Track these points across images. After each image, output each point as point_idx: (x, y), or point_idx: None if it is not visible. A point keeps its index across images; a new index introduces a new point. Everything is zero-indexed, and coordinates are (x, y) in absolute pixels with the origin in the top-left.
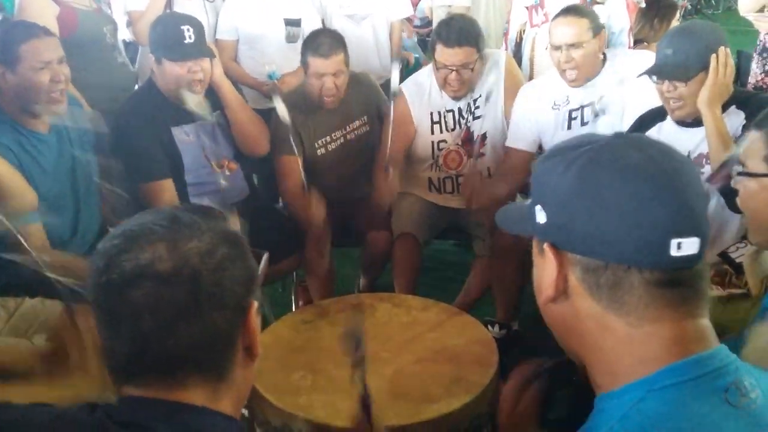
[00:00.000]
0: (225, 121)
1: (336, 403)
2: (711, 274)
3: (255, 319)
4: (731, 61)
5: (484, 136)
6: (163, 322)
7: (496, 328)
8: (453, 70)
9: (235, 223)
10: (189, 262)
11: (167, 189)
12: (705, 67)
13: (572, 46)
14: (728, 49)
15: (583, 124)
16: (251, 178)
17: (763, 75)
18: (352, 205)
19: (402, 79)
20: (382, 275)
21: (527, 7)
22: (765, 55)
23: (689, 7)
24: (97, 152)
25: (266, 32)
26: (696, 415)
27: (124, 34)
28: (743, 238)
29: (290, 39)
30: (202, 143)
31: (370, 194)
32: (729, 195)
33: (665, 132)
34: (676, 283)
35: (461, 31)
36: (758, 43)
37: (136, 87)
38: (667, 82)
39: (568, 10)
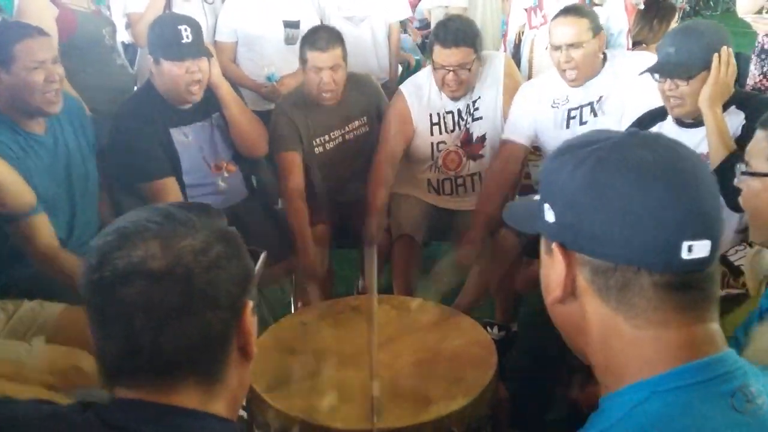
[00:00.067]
0: (224, 122)
1: (335, 405)
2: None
3: (250, 319)
4: (733, 61)
5: (482, 137)
6: (156, 321)
7: (495, 329)
8: (450, 71)
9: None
10: (182, 260)
11: (171, 187)
12: (707, 66)
13: (572, 46)
14: (731, 49)
15: (581, 123)
16: (250, 179)
17: (761, 77)
18: (350, 207)
19: (402, 80)
20: (380, 276)
21: (526, 9)
22: (763, 56)
23: (688, 8)
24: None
25: (265, 34)
26: (700, 419)
27: (123, 36)
28: (742, 240)
29: (289, 41)
30: (200, 145)
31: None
32: (729, 194)
33: (665, 132)
34: (687, 286)
35: (458, 32)
36: (756, 44)
37: (135, 89)
38: (668, 81)
39: (568, 10)
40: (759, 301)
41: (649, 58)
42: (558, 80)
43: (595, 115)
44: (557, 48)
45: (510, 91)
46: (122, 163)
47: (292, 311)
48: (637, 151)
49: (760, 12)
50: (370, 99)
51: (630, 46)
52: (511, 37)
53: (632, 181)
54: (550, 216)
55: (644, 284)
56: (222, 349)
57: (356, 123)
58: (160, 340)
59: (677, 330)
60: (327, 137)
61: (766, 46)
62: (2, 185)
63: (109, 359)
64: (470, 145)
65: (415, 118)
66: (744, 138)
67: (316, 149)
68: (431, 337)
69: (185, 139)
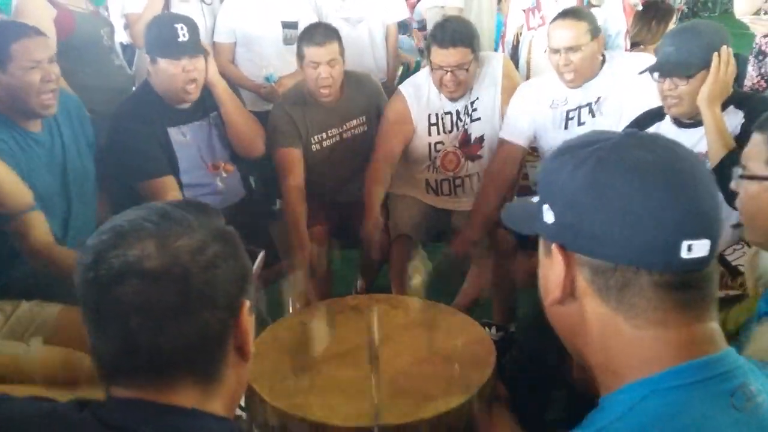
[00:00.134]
0: (221, 122)
1: (334, 404)
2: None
3: (248, 319)
4: (733, 60)
5: (481, 138)
6: (152, 321)
7: (493, 330)
8: (448, 71)
9: None
10: (179, 259)
11: (169, 185)
12: (707, 66)
13: (570, 49)
14: (730, 49)
15: (580, 124)
16: (248, 180)
17: (758, 77)
18: (349, 207)
19: (401, 81)
20: (379, 277)
21: (524, 10)
22: (761, 57)
23: (686, 10)
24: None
25: (263, 34)
26: (700, 417)
27: (121, 36)
28: (740, 237)
29: (287, 41)
30: (198, 144)
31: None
32: (728, 191)
33: (663, 132)
34: (686, 286)
35: (455, 32)
36: (754, 46)
37: (134, 89)
38: (668, 80)
39: (566, 13)
40: (757, 303)
41: (647, 59)
42: (556, 81)
43: (594, 116)
44: (556, 51)
45: (508, 91)
46: (120, 162)
47: (291, 311)
48: (636, 151)
49: (757, 13)
50: (370, 98)
51: (628, 47)
52: (510, 38)
53: (632, 181)
54: (549, 217)
55: (644, 284)
56: (219, 348)
57: (354, 122)
58: (156, 339)
59: (677, 329)
60: (324, 135)
61: (763, 48)
62: (0, 184)
63: (105, 359)
64: (468, 145)
65: (415, 118)
66: (743, 137)
67: (313, 147)
68: (430, 336)
69: (183, 138)
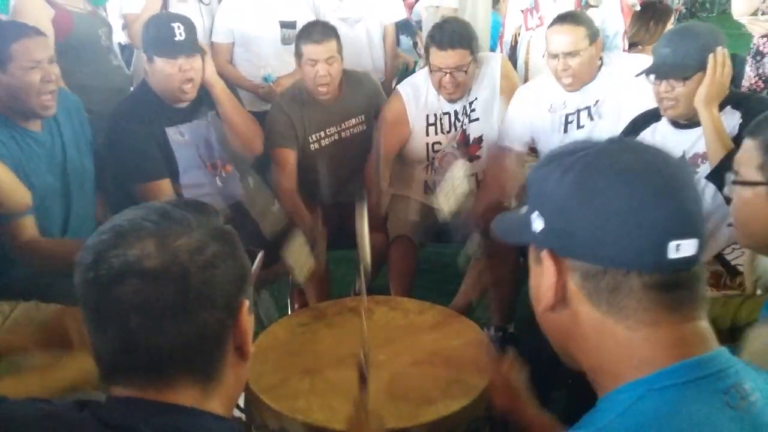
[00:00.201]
0: (220, 122)
1: (333, 406)
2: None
3: (246, 319)
4: (729, 61)
5: (479, 139)
6: (151, 320)
7: (492, 330)
8: (447, 73)
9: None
10: (177, 259)
11: (165, 189)
12: (703, 67)
13: (569, 54)
14: (726, 50)
15: (579, 127)
16: (247, 178)
17: (756, 78)
18: (348, 207)
19: (401, 81)
20: (378, 278)
21: (522, 11)
22: (758, 58)
23: (684, 10)
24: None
25: (262, 34)
26: (695, 416)
27: (119, 36)
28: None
29: (286, 41)
30: (196, 143)
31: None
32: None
33: (660, 133)
34: (675, 285)
35: (454, 34)
36: (752, 46)
37: (132, 89)
38: (664, 82)
39: (565, 18)
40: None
41: (644, 60)
42: (554, 85)
43: (592, 119)
44: (554, 56)
45: (507, 92)
46: (117, 163)
47: (290, 312)
48: (622, 155)
49: (755, 14)
50: (369, 98)
51: (626, 47)
52: (508, 38)
53: (618, 184)
54: (538, 224)
55: (634, 286)
56: (218, 348)
57: (353, 121)
58: (155, 339)
59: (668, 329)
60: (323, 134)
61: (761, 48)
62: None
63: (105, 357)
64: (467, 146)
65: (412, 118)
66: (741, 137)
67: (311, 146)
68: (430, 338)
69: (181, 138)
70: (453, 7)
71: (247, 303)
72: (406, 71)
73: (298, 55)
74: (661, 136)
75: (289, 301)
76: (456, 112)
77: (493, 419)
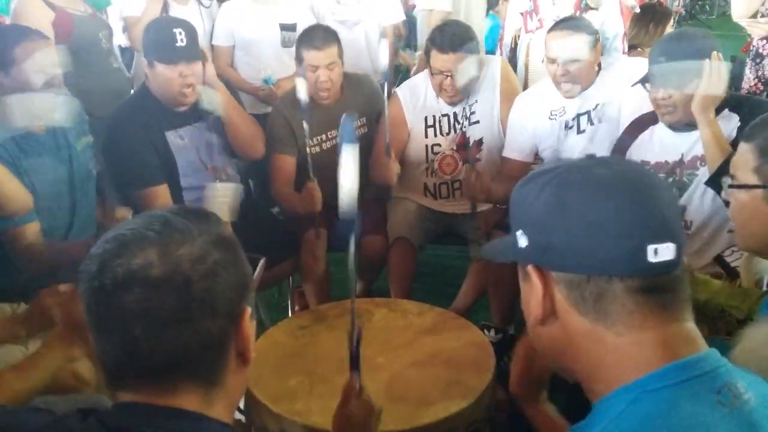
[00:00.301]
0: (220, 125)
1: (333, 408)
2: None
3: (248, 325)
4: (724, 66)
5: (480, 141)
6: (154, 328)
7: (492, 332)
8: (448, 76)
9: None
10: (180, 268)
11: (162, 195)
12: (698, 73)
13: (568, 60)
14: (721, 55)
15: (579, 132)
16: (247, 182)
17: (756, 80)
18: None
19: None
20: (378, 280)
21: (522, 13)
22: (758, 60)
23: (684, 12)
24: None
25: (262, 37)
26: (689, 416)
27: (120, 39)
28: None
29: (286, 44)
30: (196, 146)
31: (365, 197)
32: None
33: (658, 135)
34: (657, 289)
35: (455, 37)
36: (751, 48)
37: (132, 92)
38: (661, 90)
39: (564, 24)
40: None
41: (644, 63)
42: (554, 90)
43: (592, 123)
44: (553, 61)
45: (507, 94)
46: (116, 168)
47: (290, 314)
48: (594, 169)
49: (754, 16)
50: (370, 100)
51: (626, 50)
52: (507, 41)
53: (593, 195)
54: (522, 242)
55: (617, 291)
56: (220, 354)
57: (355, 123)
58: (159, 345)
59: (654, 330)
60: (324, 137)
61: (760, 50)
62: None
63: (110, 364)
64: (467, 149)
65: (410, 120)
66: (739, 140)
67: (312, 149)
68: (429, 340)
69: (181, 141)
70: (446, 11)
71: (248, 310)
72: (406, 72)
73: (299, 60)
74: (659, 138)
75: (289, 302)
76: (455, 114)
77: (492, 420)
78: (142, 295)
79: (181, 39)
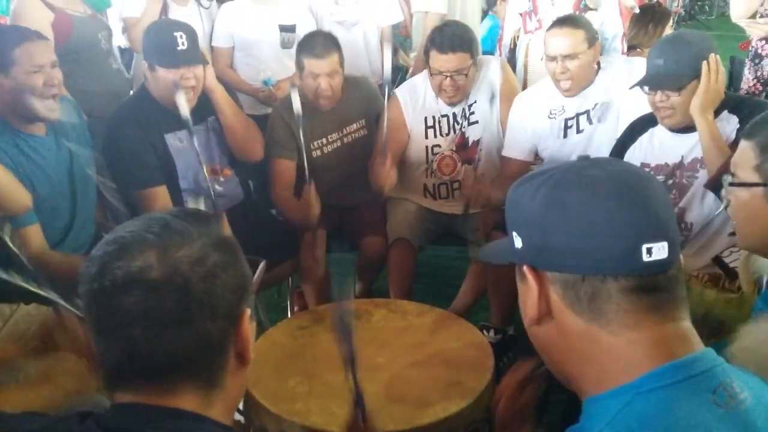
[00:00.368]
0: (219, 126)
1: (332, 409)
2: (705, 279)
3: (247, 327)
4: (722, 68)
5: (478, 142)
6: (153, 330)
7: (492, 332)
8: (447, 76)
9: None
10: (179, 270)
11: (161, 196)
12: (696, 75)
13: (567, 57)
14: (718, 56)
15: (579, 131)
16: (247, 183)
17: (755, 80)
18: (347, 211)
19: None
20: (377, 280)
21: (521, 14)
22: (757, 60)
23: (683, 13)
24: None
25: (261, 38)
26: (684, 417)
27: (119, 40)
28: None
29: (285, 45)
30: (195, 149)
31: (365, 199)
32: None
33: (657, 137)
34: (652, 288)
35: (454, 37)
36: (750, 48)
37: (131, 93)
38: (659, 92)
39: (564, 21)
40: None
41: (643, 63)
42: (552, 90)
43: (591, 122)
44: (552, 59)
45: (506, 95)
46: (115, 169)
47: (289, 315)
48: (588, 170)
49: (753, 17)
50: (369, 101)
51: (625, 50)
52: (507, 41)
53: (587, 194)
54: (518, 242)
55: (612, 290)
56: (220, 356)
57: (354, 126)
58: (158, 347)
59: (649, 330)
60: (325, 140)
61: (759, 51)
62: None
63: (109, 365)
64: (465, 149)
65: (409, 122)
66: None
67: (314, 153)
68: (428, 341)
69: (180, 143)
70: (442, 13)
71: (248, 311)
72: (406, 73)
73: (300, 67)
74: (658, 140)
75: (288, 303)
76: (455, 115)
77: (491, 421)
78: (142, 297)
79: (182, 42)
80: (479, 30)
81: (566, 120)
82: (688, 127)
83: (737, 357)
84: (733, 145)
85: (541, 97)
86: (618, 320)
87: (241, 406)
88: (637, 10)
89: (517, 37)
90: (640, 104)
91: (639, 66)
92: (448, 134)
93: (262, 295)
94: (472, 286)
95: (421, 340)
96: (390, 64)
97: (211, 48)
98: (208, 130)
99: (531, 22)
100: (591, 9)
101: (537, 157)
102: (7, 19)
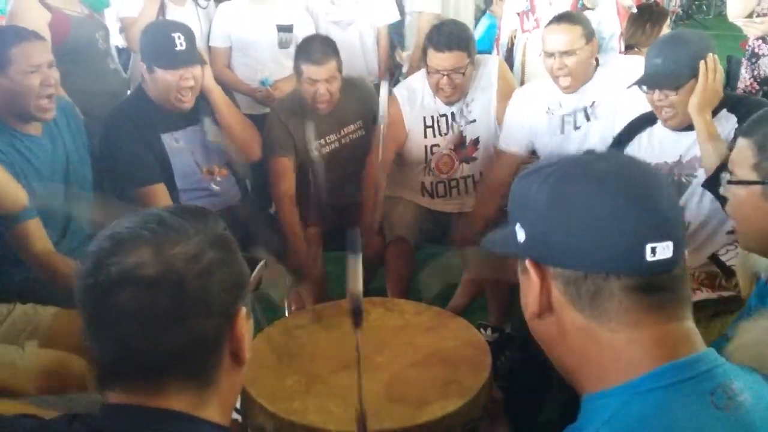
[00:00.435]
0: (216, 127)
1: (330, 408)
2: (701, 277)
3: (243, 326)
4: (720, 67)
5: (476, 141)
6: (146, 327)
7: (489, 331)
8: (445, 75)
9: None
10: (173, 267)
11: (161, 193)
12: (694, 74)
13: (565, 53)
14: (716, 56)
15: (576, 128)
16: (244, 183)
17: (752, 80)
18: (345, 209)
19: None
20: (375, 279)
21: (518, 13)
22: (754, 60)
23: (680, 12)
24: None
25: (259, 38)
26: (682, 418)
27: (116, 40)
28: (734, 240)
29: (283, 45)
30: (192, 149)
31: (363, 199)
32: (724, 199)
33: (656, 136)
34: (655, 288)
35: (452, 36)
36: (747, 48)
37: (128, 93)
38: (657, 91)
39: (561, 17)
40: (749, 299)
41: (640, 62)
42: (551, 86)
43: (589, 119)
44: (550, 55)
45: (504, 94)
46: (112, 168)
47: (286, 314)
48: (595, 164)
49: (750, 16)
50: (366, 102)
51: (622, 49)
52: (504, 40)
53: (593, 191)
54: (521, 235)
55: (614, 289)
56: (214, 354)
57: (352, 127)
58: (151, 345)
59: (650, 329)
60: (323, 141)
61: (756, 50)
62: None
63: (102, 362)
64: (463, 148)
65: (408, 121)
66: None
67: (313, 153)
68: (426, 340)
69: (176, 144)
70: (436, 13)
71: (244, 310)
72: (402, 73)
73: (298, 73)
74: (657, 139)
75: (286, 302)
76: (453, 114)
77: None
78: (135, 294)
79: (180, 43)
80: (474, 30)
81: (564, 116)
82: (686, 126)
83: (736, 355)
84: (732, 144)
85: (539, 92)
86: (619, 319)
87: (238, 405)
88: (635, 10)
89: (515, 36)
90: (638, 102)
91: (637, 64)
92: (446, 134)
93: (260, 294)
94: (470, 285)
95: (419, 339)
96: (386, 65)
97: (209, 48)
98: (203, 131)
99: (528, 21)
100: (588, 8)
101: (534, 153)
102: (4, 18)
